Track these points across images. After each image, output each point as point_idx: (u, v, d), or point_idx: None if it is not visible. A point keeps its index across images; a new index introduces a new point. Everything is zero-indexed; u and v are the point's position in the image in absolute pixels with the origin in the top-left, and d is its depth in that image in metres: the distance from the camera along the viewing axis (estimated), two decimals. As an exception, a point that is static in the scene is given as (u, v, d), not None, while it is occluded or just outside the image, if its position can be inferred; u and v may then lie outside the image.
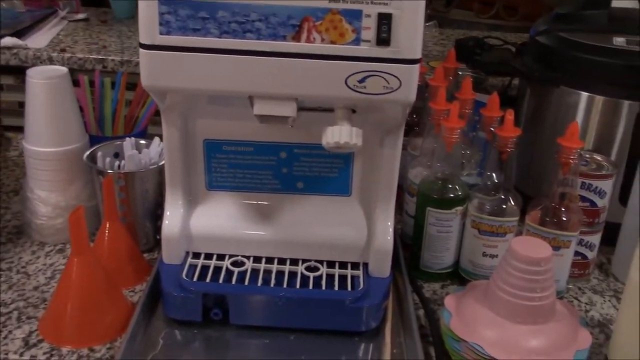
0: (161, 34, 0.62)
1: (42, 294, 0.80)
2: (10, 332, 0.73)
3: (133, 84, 1.07)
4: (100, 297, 0.73)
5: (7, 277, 0.83)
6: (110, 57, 1.31)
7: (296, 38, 0.62)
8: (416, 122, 1.01)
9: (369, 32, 0.61)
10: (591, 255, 0.87)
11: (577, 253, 0.85)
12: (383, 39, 0.61)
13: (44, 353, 0.71)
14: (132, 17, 1.58)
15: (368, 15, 0.61)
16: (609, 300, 0.85)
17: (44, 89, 0.85)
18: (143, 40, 0.63)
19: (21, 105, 1.30)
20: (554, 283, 0.70)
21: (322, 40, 0.62)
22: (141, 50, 0.63)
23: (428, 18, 1.81)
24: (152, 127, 1.06)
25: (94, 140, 0.93)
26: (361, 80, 0.63)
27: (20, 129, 0.94)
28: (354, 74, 0.63)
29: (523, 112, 1.03)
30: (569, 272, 0.84)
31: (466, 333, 0.70)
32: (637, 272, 0.69)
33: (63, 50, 1.33)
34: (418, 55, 0.62)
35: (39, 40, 1.40)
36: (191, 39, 0.62)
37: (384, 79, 0.63)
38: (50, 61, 1.31)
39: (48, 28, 1.51)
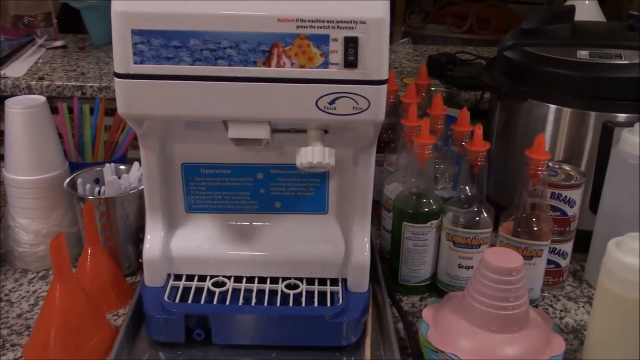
0: (135, 63, 0.64)
1: (25, 321, 0.81)
2: (-6, 360, 0.74)
3: (112, 110, 1.07)
4: (84, 322, 0.74)
5: (-9, 305, 0.84)
6: (88, 84, 1.33)
7: (267, 63, 0.64)
8: (391, 138, 1.03)
9: (337, 55, 0.63)
10: (564, 263, 0.89)
11: (550, 261, 0.87)
12: (350, 62, 0.63)
13: (29, 380, 0.71)
14: (110, 42, 1.59)
15: (335, 40, 0.63)
16: (583, 307, 0.87)
17: (23, 119, 0.86)
18: (118, 70, 0.65)
19: (1, 134, 1.30)
20: (527, 292, 0.72)
21: (292, 64, 0.64)
22: (116, 79, 0.65)
23: (402, 35, 1.85)
24: (133, 152, 1.07)
25: (74, 166, 0.94)
26: (331, 102, 0.65)
27: (0, 158, 0.95)
28: (323, 96, 0.65)
29: (494, 125, 1.06)
30: (543, 280, 0.86)
31: (443, 344, 0.72)
32: (606, 279, 0.71)
33: (41, 79, 1.34)
34: (385, 76, 0.65)
35: (17, 69, 1.41)
36: (165, 67, 0.64)
37: (353, 99, 0.65)
38: (29, 89, 1.32)
39: (26, 56, 1.52)
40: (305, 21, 0.62)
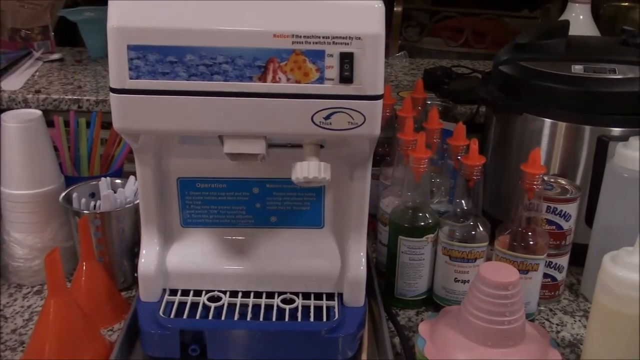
0: (131, 78, 0.64)
1: (19, 336, 0.80)
2: (-12, 376, 0.74)
3: (108, 123, 1.08)
4: (78, 338, 0.74)
5: (-15, 320, 0.83)
6: (85, 97, 1.33)
7: (262, 79, 0.64)
8: (387, 152, 1.03)
9: (332, 70, 0.64)
10: (560, 276, 0.89)
11: (546, 275, 0.87)
12: (346, 77, 0.63)
13: (23, 396, 0.71)
14: (107, 55, 1.59)
15: (330, 55, 0.63)
16: (579, 320, 0.87)
17: (19, 133, 0.86)
18: (113, 85, 0.65)
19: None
20: (523, 306, 0.72)
21: (288, 80, 0.64)
22: (112, 94, 0.65)
23: (398, 49, 1.85)
24: (129, 165, 1.07)
25: (69, 180, 0.94)
26: (327, 117, 0.65)
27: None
28: (319, 111, 0.65)
29: (490, 139, 1.06)
30: (540, 294, 0.86)
31: (439, 358, 0.72)
32: (601, 293, 0.71)
33: (38, 92, 1.34)
34: (380, 92, 0.65)
35: (14, 82, 1.41)
36: (160, 82, 0.64)
37: (349, 114, 0.65)
38: (26, 103, 1.32)
39: (23, 69, 1.52)
40: (300, 37, 0.63)
